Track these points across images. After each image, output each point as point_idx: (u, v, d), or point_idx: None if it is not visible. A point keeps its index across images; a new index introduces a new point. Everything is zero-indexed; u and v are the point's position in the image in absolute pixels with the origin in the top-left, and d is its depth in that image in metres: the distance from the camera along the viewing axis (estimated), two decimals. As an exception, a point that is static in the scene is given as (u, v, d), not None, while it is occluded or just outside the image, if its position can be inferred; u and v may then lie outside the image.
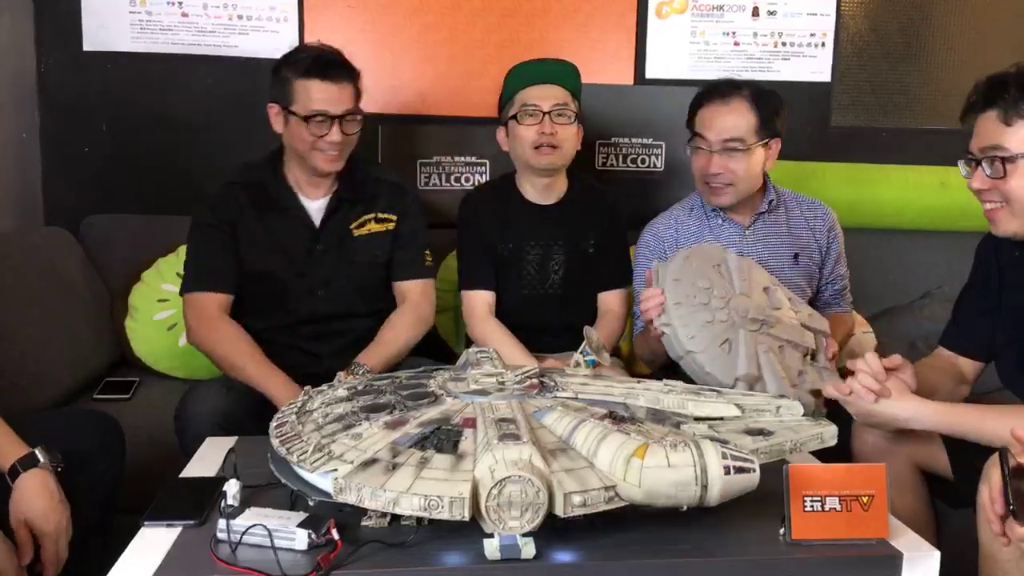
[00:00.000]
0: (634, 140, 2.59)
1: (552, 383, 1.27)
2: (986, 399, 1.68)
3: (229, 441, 1.42)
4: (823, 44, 2.68)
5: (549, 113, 1.90)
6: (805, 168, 2.60)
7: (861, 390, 1.39)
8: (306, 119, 1.75)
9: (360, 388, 1.27)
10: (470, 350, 1.45)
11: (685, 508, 1.01)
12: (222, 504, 1.06)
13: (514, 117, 1.92)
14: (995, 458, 1.11)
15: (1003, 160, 1.37)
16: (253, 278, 1.83)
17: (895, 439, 1.51)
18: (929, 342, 2.40)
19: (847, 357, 2.32)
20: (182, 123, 2.42)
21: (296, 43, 2.41)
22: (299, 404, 1.27)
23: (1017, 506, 0.99)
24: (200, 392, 1.70)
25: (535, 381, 1.27)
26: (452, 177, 2.50)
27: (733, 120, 1.83)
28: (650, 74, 2.60)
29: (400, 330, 1.86)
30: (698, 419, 1.22)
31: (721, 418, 1.23)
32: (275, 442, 1.13)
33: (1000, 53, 2.69)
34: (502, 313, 1.97)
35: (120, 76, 2.39)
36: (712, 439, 1.06)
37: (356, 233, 1.87)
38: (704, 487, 0.98)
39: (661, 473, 0.98)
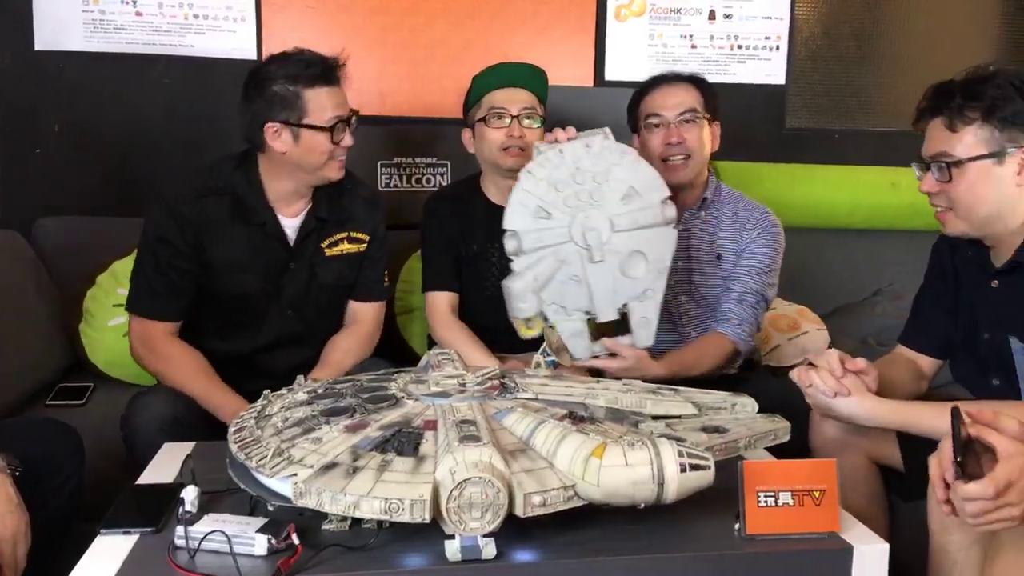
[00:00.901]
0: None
1: (513, 384, 1.29)
2: (937, 393, 1.73)
3: (186, 447, 1.40)
4: (777, 47, 2.74)
5: (517, 117, 1.91)
6: (760, 169, 2.65)
7: (820, 384, 1.43)
8: (330, 129, 1.70)
9: (320, 391, 1.27)
10: (431, 352, 1.46)
11: (643, 506, 1.03)
12: (180, 510, 1.05)
13: (482, 120, 1.92)
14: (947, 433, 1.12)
15: (949, 165, 1.42)
16: (223, 298, 1.77)
17: (851, 432, 1.55)
18: (880, 338, 2.46)
19: (798, 354, 2.37)
20: (137, 124, 2.38)
21: (254, 43, 2.40)
22: (258, 408, 1.26)
23: (965, 460, 1.00)
24: (146, 399, 1.65)
25: (496, 383, 1.28)
26: (413, 178, 2.50)
27: (684, 95, 1.91)
28: (610, 76, 2.63)
29: (348, 355, 1.84)
30: (656, 417, 1.24)
31: (678, 416, 1.25)
32: (234, 447, 1.13)
33: (950, 56, 2.77)
34: (465, 315, 1.97)
35: (73, 76, 2.34)
36: (668, 437, 1.08)
37: (328, 253, 1.83)
38: (661, 485, 1.00)
39: (619, 472, 1.00)
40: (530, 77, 1.98)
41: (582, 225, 1.58)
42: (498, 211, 1.93)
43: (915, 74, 2.78)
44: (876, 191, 2.67)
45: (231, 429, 1.20)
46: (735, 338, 1.87)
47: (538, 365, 1.45)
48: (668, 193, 1.62)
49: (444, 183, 2.50)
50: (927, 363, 1.67)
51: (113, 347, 2.09)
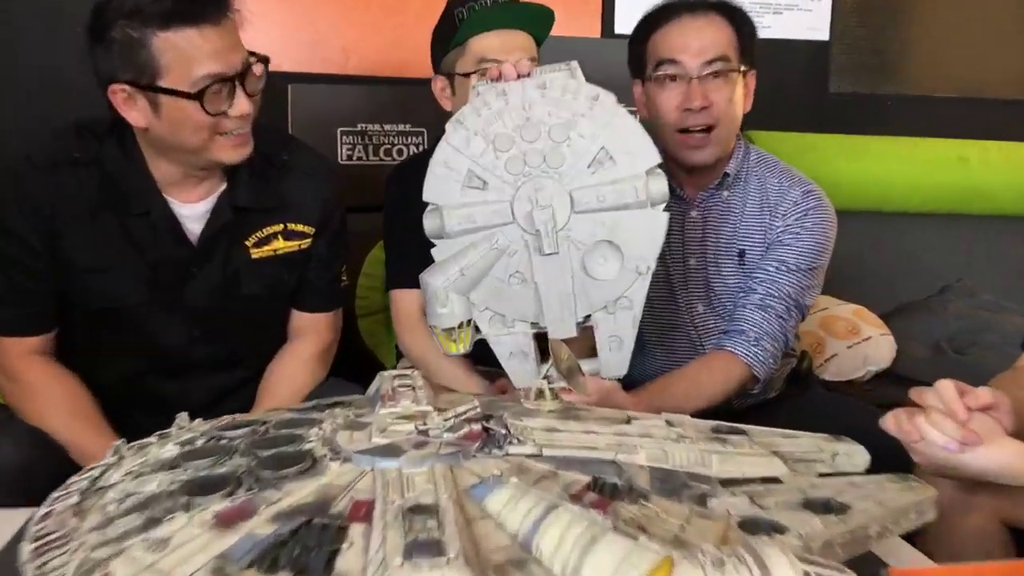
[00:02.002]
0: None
1: (503, 430, 0.83)
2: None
3: (20, 515, 0.94)
4: (821, -5, 2.30)
5: None
6: (799, 140, 2.22)
7: (939, 439, 0.97)
8: (198, 95, 1.15)
9: (199, 444, 0.81)
10: (386, 374, 1.00)
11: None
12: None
13: (469, 75, 1.46)
14: None
15: None
16: (91, 309, 1.29)
17: (974, 488, 1.11)
18: (955, 343, 2.02)
19: (860, 365, 1.93)
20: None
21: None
22: (100, 470, 0.80)
23: None
24: None
25: (477, 427, 0.83)
26: (381, 149, 2.04)
27: (713, 35, 1.39)
28: (621, 28, 2.19)
29: (293, 384, 1.37)
30: (726, 483, 0.79)
31: (763, 480, 0.80)
32: (27, 547, 0.67)
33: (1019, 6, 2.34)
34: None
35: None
36: (763, 525, 0.64)
37: (256, 254, 1.33)
38: (774, 634, 0.55)
39: (699, 614, 0.54)
40: (535, 17, 1.50)
41: (530, 201, 1.10)
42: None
43: (986, 30, 2.34)
44: (940, 168, 2.25)
45: (41, 509, 0.74)
46: (750, 358, 1.37)
47: (542, 395, 0.99)
48: (658, 159, 1.10)
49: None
50: None
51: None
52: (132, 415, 1.28)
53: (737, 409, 1.45)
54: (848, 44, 2.34)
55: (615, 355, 1.14)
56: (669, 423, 0.92)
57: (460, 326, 1.12)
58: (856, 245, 2.05)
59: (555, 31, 2.05)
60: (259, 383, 1.39)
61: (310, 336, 1.42)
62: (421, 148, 2.05)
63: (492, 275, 1.12)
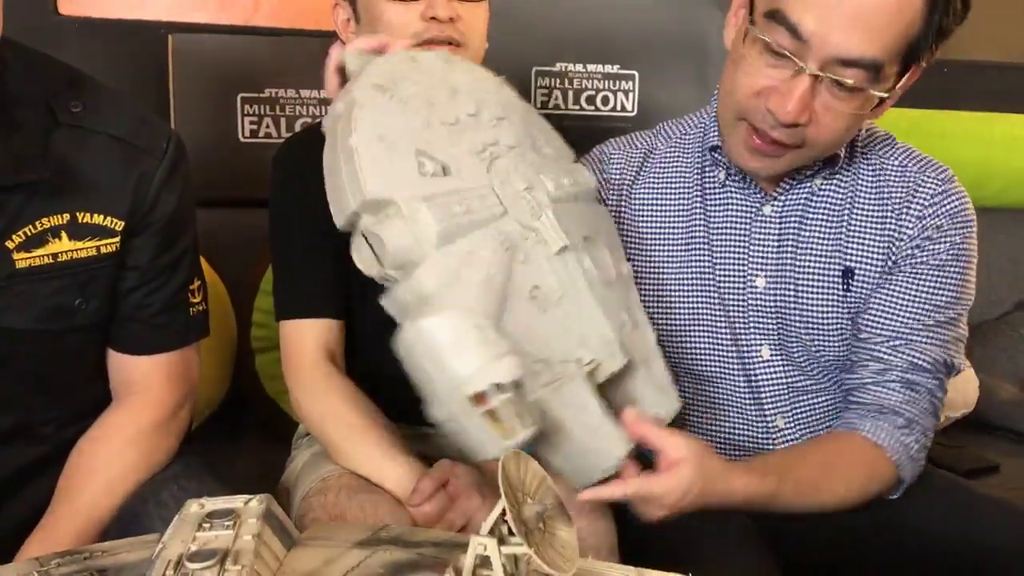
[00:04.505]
0: (591, 68, 1.65)
1: None
2: None
3: None
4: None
5: None
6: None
7: None
8: None
9: None
10: (190, 511, 0.51)
11: None
12: None
13: None
14: None
15: None
16: None
17: None
18: (1054, 380, 1.57)
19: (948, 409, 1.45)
20: None
21: None
22: None
23: None
24: None
25: None
26: (297, 123, 1.53)
27: (886, 16, 0.81)
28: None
29: (116, 471, 0.88)
30: None
31: None
32: None
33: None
34: (356, 359, 1.03)
35: None
36: None
37: (21, 261, 0.84)
38: None
39: None
40: None
41: (510, 185, 0.83)
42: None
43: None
44: (1017, 150, 1.77)
45: None
46: (899, 454, 0.91)
47: (486, 565, 0.49)
48: None
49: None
50: None
51: None
52: None
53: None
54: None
55: (663, 392, 0.88)
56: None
57: (500, 391, 0.67)
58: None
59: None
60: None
61: (139, 395, 0.92)
62: (351, 122, 1.55)
63: (516, 294, 0.77)
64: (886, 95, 0.85)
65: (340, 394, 0.95)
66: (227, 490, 0.90)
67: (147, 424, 0.92)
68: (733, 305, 0.99)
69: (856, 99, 0.84)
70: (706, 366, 1.00)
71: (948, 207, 0.94)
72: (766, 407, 0.99)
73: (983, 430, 1.46)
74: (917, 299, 0.93)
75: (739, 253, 0.99)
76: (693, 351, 1.00)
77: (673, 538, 0.82)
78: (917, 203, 0.94)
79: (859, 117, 0.87)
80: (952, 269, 0.93)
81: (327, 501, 0.88)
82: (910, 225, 0.94)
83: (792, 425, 0.99)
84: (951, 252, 0.93)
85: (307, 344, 0.98)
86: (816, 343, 0.97)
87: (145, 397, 0.93)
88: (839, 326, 0.96)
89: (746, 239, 0.98)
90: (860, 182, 0.97)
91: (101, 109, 0.86)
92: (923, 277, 0.93)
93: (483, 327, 0.68)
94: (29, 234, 0.82)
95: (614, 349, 0.81)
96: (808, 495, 0.87)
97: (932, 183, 0.95)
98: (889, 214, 0.95)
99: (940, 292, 0.93)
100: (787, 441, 0.99)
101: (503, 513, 0.46)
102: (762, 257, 0.98)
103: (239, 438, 1.36)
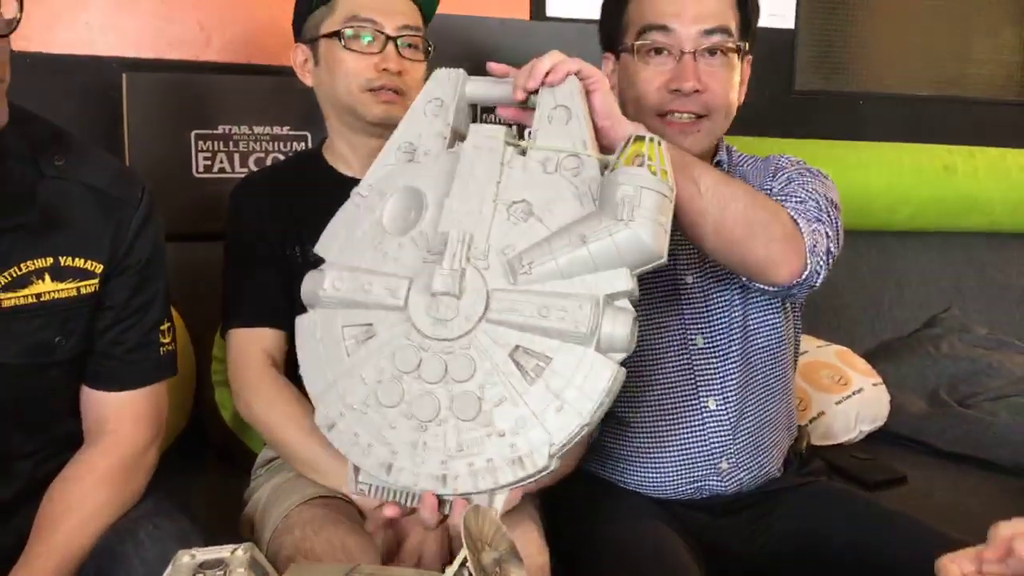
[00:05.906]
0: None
1: None
2: None
3: None
4: (786, -22, 1.96)
5: (395, 40, 1.14)
6: (761, 145, 1.85)
7: None
8: None
9: None
10: (182, 561, 0.58)
11: None
12: None
13: (336, 35, 1.14)
14: None
15: None
16: None
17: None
18: (956, 393, 1.70)
19: (852, 426, 1.58)
20: None
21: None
22: None
23: None
24: None
25: None
26: (251, 159, 1.58)
27: (714, 2, 1.07)
28: (552, 11, 1.81)
29: (88, 510, 0.93)
30: None
31: None
32: None
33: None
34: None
35: None
36: None
37: (7, 301, 0.89)
38: None
39: None
40: None
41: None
42: (353, 187, 1.03)
43: (971, 22, 2.04)
44: (924, 178, 1.93)
45: None
46: (795, 215, 1.00)
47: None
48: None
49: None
50: None
51: None
52: None
53: (731, 501, 1.12)
54: (816, 35, 2.00)
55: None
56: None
57: None
58: (831, 270, 1.73)
59: (479, 10, 1.67)
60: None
61: (110, 435, 0.97)
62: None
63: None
64: (742, 44, 1.08)
65: (287, 397, 1.05)
66: (198, 528, 0.96)
67: (117, 463, 0.97)
68: (670, 300, 1.12)
69: (725, 61, 1.07)
70: (656, 356, 1.12)
71: (790, 168, 1.12)
72: (698, 389, 1.12)
73: (895, 442, 1.58)
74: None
75: (668, 255, 1.09)
76: (647, 341, 1.10)
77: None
78: (767, 179, 1.11)
79: (732, 70, 1.09)
80: (812, 187, 1.06)
81: (296, 538, 0.94)
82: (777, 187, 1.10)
83: (715, 394, 1.12)
84: (806, 184, 1.07)
85: (252, 350, 1.08)
86: (733, 332, 1.12)
87: (116, 437, 0.98)
88: (748, 316, 1.12)
89: (672, 243, 1.07)
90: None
91: (82, 162, 0.92)
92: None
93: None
94: (14, 275, 0.88)
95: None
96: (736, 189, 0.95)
97: (786, 159, 1.14)
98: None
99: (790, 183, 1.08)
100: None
101: (464, 561, 0.54)
102: (687, 257, 1.12)
103: (199, 470, 1.41)
